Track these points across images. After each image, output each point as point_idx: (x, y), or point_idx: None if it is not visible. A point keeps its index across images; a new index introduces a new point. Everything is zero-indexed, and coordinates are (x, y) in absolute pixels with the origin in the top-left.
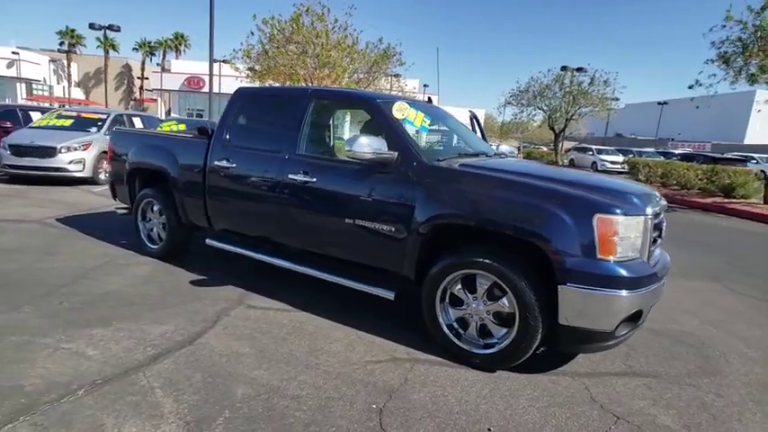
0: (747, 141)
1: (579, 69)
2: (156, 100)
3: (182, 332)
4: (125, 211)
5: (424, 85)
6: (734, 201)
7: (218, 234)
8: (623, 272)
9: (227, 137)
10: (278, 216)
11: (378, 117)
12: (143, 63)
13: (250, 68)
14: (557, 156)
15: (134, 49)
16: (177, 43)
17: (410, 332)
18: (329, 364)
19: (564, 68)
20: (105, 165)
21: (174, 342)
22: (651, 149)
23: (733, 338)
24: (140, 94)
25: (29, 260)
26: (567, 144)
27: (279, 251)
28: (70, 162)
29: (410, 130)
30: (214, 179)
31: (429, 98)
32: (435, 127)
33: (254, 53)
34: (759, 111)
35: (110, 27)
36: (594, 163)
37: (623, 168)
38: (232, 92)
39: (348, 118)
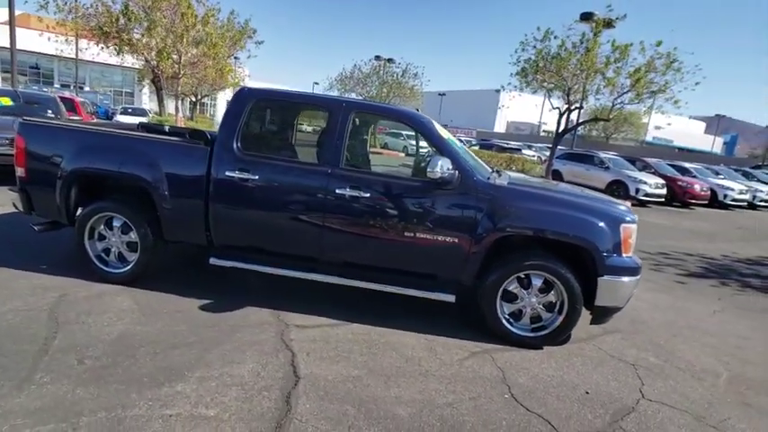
0: (495, 130)
1: (390, 60)
2: None
3: (272, 367)
4: (43, 227)
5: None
6: None
7: (225, 251)
8: (634, 264)
9: (238, 145)
10: (318, 230)
11: (429, 135)
12: None
13: (102, 31)
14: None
15: None
16: None
17: (459, 327)
18: (435, 369)
19: (377, 58)
20: None
21: (278, 380)
22: None
23: None
24: None
25: None
26: None
27: (311, 265)
28: None
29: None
30: (225, 191)
31: (417, 109)
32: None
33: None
34: (502, 107)
35: None
36: (405, 147)
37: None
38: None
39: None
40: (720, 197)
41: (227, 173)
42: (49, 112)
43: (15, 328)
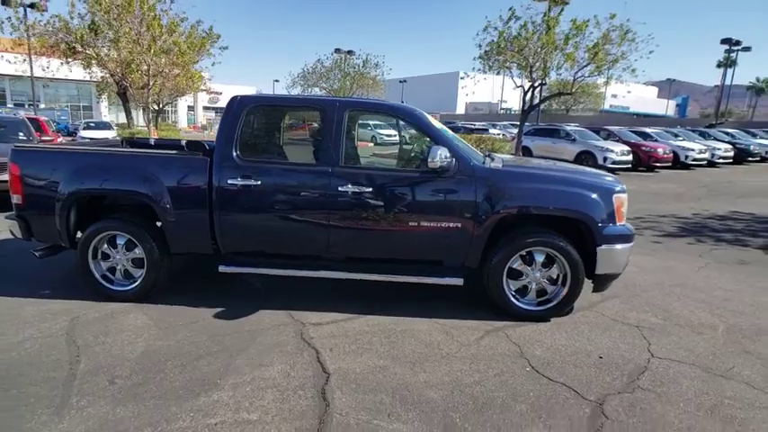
0: (458, 112)
1: (350, 52)
2: None
3: (300, 366)
4: (43, 252)
5: None
6: None
7: (232, 258)
8: (628, 231)
9: (237, 152)
10: (324, 229)
11: (423, 127)
12: None
13: (68, 46)
14: None
15: None
16: None
17: (467, 308)
18: (455, 351)
19: (337, 50)
20: None
21: (309, 377)
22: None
23: None
24: None
25: None
26: None
27: (319, 263)
28: None
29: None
30: (229, 200)
31: (402, 101)
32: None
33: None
34: (465, 88)
35: None
36: (374, 137)
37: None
38: None
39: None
40: (682, 158)
41: (229, 181)
42: (20, 134)
43: (36, 356)
